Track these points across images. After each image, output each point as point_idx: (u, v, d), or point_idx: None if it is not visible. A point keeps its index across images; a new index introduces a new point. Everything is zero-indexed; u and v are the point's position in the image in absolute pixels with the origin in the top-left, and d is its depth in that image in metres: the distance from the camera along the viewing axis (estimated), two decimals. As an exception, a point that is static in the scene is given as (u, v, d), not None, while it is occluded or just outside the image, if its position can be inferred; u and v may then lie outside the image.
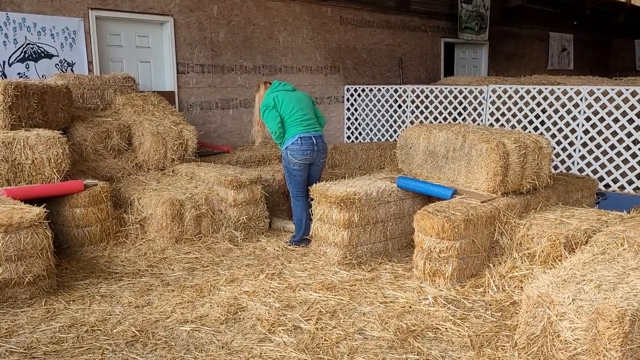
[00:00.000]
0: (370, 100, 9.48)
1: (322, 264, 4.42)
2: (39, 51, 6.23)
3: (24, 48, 6.11)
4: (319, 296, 3.74)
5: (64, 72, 6.43)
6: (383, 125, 9.37)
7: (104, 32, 6.83)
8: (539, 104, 7.39)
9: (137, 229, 4.94)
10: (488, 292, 3.74)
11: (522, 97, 7.49)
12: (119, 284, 3.99)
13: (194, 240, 4.92)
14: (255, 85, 5.48)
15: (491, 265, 3.99)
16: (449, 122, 8.43)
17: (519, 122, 7.60)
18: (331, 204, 4.40)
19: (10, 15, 5.98)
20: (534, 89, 7.39)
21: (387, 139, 9.33)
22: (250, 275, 4.16)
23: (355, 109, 9.79)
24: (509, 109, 7.68)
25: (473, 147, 4.37)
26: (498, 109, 7.82)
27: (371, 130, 9.59)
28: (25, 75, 6.15)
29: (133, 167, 5.72)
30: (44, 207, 3.87)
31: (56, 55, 6.37)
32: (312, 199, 4.64)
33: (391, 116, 9.26)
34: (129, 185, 5.33)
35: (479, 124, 8.12)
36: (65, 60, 6.45)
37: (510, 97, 7.65)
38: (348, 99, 9.86)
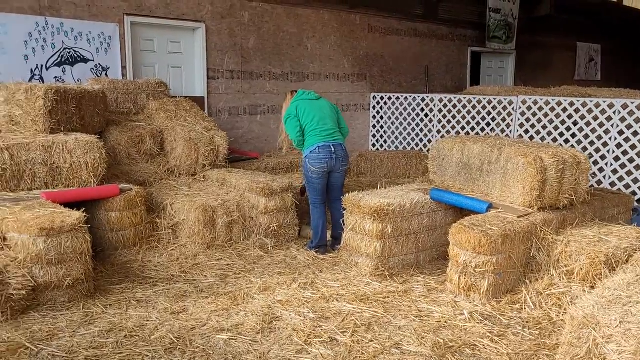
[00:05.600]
0: (397, 109, 9.45)
1: (354, 274, 4.41)
2: (76, 55, 6.34)
3: (61, 52, 6.23)
4: (353, 308, 3.73)
5: (98, 76, 6.53)
6: (409, 134, 9.33)
7: (138, 38, 6.93)
8: (570, 116, 7.28)
9: (169, 234, 4.98)
10: (525, 309, 3.70)
11: (552, 109, 7.40)
12: (154, 289, 4.03)
13: (225, 247, 4.95)
14: (283, 93, 5.54)
15: (527, 281, 3.94)
16: (477, 132, 8.37)
17: (549, 134, 7.51)
18: (364, 215, 4.39)
19: (49, 20, 6.10)
20: (565, 100, 7.30)
21: (412, 147, 9.29)
22: (282, 284, 4.17)
23: (382, 117, 9.78)
24: (539, 121, 7.59)
25: (509, 161, 4.33)
26: (528, 120, 7.74)
27: (397, 138, 9.56)
28: (62, 79, 6.26)
29: (165, 171, 5.79)
30: (83, 212, 3.93)
31: (92, 60, 6.48)
32: (344, 209, 4.64)
33: (417, 125, 9.22)
34: (161, 190, 5.39)
35: (507, 135, 8.06)
36: (100, 65, 6.55)
37: (540, 109, 7.56)
38: (374, 107, 9.85)
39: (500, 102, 8.05)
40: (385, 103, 9.67)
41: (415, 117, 9.21)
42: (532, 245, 4.00)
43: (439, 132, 8.90)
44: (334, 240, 5.07)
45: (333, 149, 4.74)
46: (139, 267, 4.49)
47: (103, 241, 4.71)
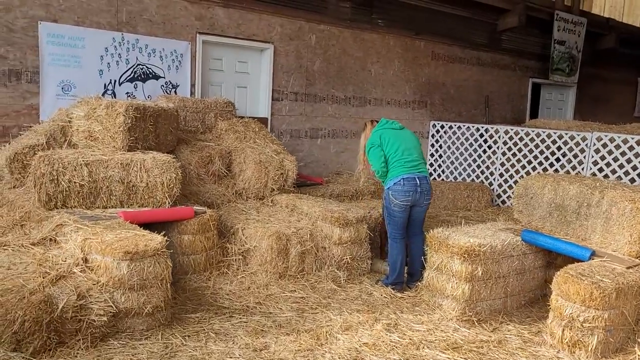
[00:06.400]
0: (458, 138, 9.17)
1: (438, 317, 4.12)
2: (148, 72, 6.32)
3: (134, 68, 6.21)
4: (448, 357, 3.44)
5: (168, 93, 6.49)
6: (469, 165, 9.02)
7: (208, 56, 6.89)
8: (652, 156, 6.89)
9: (239, 261, 4.80)
10: (640, 372, 3.35)
11: (631, 148, 7.01)
12: (231, 321, 3.82)
13: (297, 278, 4.73)
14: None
15: (639, 340, 3.59)
16: (545, 168, 8.01)
17: (627, 173, 7.11)
18: (452, 254, 4.12)
19: (126, 35, 6.10)
20: (647, 139, 6.91)
21: (472, 179, 8.97)
22: (364, 324, 3.91)
23: (440, 146, 9.50)
24: (616, 159, 7.20)
25: (614, 205, 4.01)
26: (602, 158, 7.36)
27: (456, 169, 9.26)
28: (133, 95, 6.23)
29: (233, 194, 5.64)
30: (164, 235, 3.78)
31: (162, 77, 6.45)
32: (427, 245, 4.38)
33: (479, 156, 8.91)
34: (230, 213, 5.23)
35: (578, 173, 7.68)
36: (170, 82, 6.51)
37: (617, 147, 7.18)
38: (433, 135, 9.59)
39: (572, 138, 7.70)
40: (446, 132, 9.40)
41: (478, 148, 8.91)
42: (645, 301, 3.65)
43: (502, 165, 8.58)
44: (410, 276, 4.79)
45: (418, 182, 4.50)
46: (211, 294, 4.30)
47: (173, 265, 4.53)
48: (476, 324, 4.03)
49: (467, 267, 4.05)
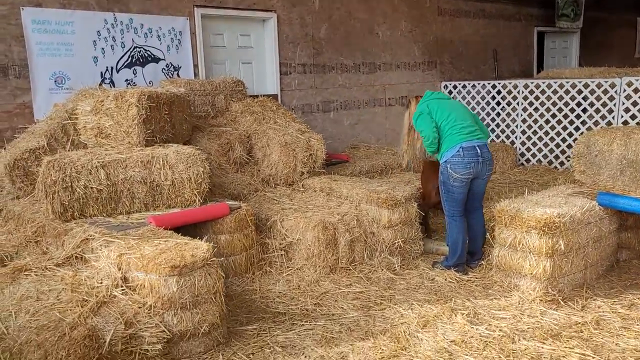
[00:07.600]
0: (473, 98, 8.67)
1: (517, 300, 3.71)
2: (146, 55, 5.69)
3: (131, 52, 5.57)
4: (553, 350, 3.03)
5: (170, 77, 5.88)
6: (488, 125, 8.55)
7: (208, 32, 6.25)
8: (690, 98, 6.50)
9: (282, 256, 4.32)
10: None
11: (667, 91, 6.61)
12: (294, 329, 3.37)
13: (350, 270, 4.27)
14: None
15: None
16: (571, 120, 7.59)
17: (663, 118, 6.73)
18: (529, 229, 3.68)
19: (118, 16, 5.45)
20: (684, 80, 6.51)
21: (492, 139, 8.53)
22: (441, 317, 3.48)
23: (454, 107, 9.01)
24: (650, 104, 6.80)
25: None
26: (635, 104, 6.95)
27: (473, 130, 8.78)
28: (133, 82, 5.62)
29: (259, 182, 5.12)
30: (199, 239, 3.28)
31: (162, 59, 5.82)
32: (495, 221, 3.95)
33: (498, 114, 8.44)
34: (261, 204, 4.73)
35: (609, 122, 7.29)
36: (172, 64, 5.89)
37: (650, 90, 6.77)
38: (446, 97, 9.08)
39: (599, 86, 7.26)
40: (459, 92, 8.90)
41: (496, 106, 8.43)
42: None
43: (524, 121, 8.13)
44: (471, 255, 4.36)
45: (479, 151, 4.01)
46: (260, 299, 3.83)
47: (212, 268, 4.06)
48: (562, 303, 3.63)
49: (547, 242, 3.63)
